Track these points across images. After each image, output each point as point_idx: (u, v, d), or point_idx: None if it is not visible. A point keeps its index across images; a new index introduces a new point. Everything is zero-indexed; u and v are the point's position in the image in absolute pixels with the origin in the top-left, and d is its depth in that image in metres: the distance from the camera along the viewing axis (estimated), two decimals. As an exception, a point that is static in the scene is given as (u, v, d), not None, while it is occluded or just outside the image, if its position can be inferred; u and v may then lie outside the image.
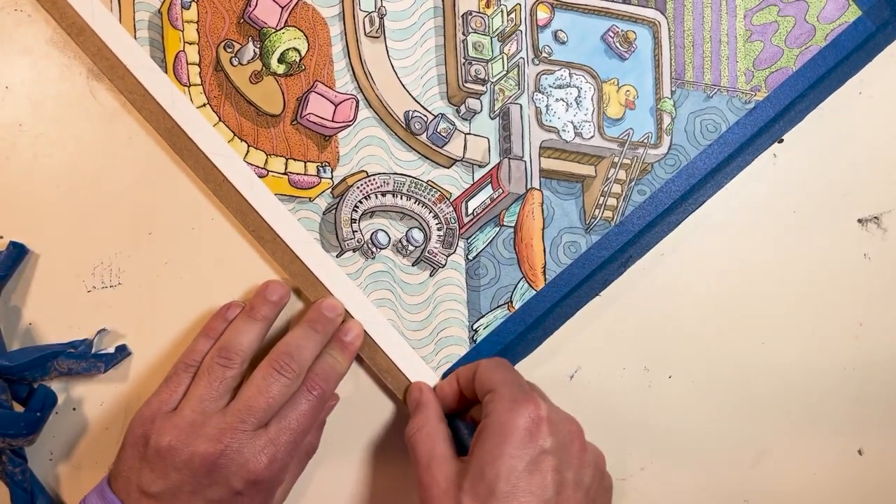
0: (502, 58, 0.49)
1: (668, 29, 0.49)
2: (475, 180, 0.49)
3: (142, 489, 0.41)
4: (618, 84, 0.49)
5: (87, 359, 0.48)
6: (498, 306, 0.49)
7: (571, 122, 0.49)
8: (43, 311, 0.49)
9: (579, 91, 0.49)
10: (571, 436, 0.43)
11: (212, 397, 0.43)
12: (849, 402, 0.54)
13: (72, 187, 0.49)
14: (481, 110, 0.49)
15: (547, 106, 0.49)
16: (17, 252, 0.48)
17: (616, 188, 0.49)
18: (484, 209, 0.49)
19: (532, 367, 0.51)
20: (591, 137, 0.49)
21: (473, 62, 0.49)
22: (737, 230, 0.52)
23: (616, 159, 0.50)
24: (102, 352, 0.49)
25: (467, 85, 0.49)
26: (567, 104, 0.49)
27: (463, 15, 0.49)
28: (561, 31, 0.49)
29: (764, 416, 0.53)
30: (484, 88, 0.49)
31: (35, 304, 0.49)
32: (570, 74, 0.49)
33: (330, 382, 0.45)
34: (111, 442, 0.50)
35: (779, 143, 0.51)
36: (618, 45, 0.49)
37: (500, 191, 0.49)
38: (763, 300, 0.52)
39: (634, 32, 0.49)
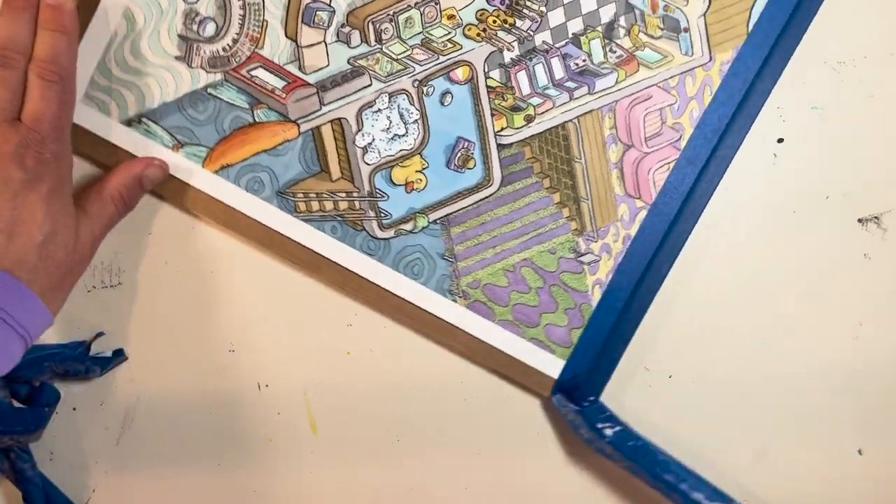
0: (407, 51, 0.49)
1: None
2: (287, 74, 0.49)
3: None
4: (422, 165, 0.50)
5: (83, 361, 0.49)
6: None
7: (374, 138, 0.50)
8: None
9: (406, 134, 0.50)
10: None
11: None
12: (849, 402, 0.53)
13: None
14: (355, 47, 0.49)
15: (379, 111, 0.50)
16: None
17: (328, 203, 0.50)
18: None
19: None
20: (373, 163, 0.50)
21: (390, 22, 0.49)
22: (737, 230, 0.52)
23: (355, 194, 0.50)
24: (99, 355, 0.50)
25: (372, 23, 0.49)
26: (388, 129, 0.50)
27: (431, -2, 0.49)
28: (451, 95, 0.50)
29: (764, 416, 0.53)
30: (372, 47, 0.49)
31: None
32: (415, 121, 0.50)
33: (59, 62, 0.43)
34: (111, 442, 0.51)
35: (779, 142, 0.52)
36: (458, 159, 0.50)
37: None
38: (763, 300, 0.53)
39: (475, 162, 0.50)
